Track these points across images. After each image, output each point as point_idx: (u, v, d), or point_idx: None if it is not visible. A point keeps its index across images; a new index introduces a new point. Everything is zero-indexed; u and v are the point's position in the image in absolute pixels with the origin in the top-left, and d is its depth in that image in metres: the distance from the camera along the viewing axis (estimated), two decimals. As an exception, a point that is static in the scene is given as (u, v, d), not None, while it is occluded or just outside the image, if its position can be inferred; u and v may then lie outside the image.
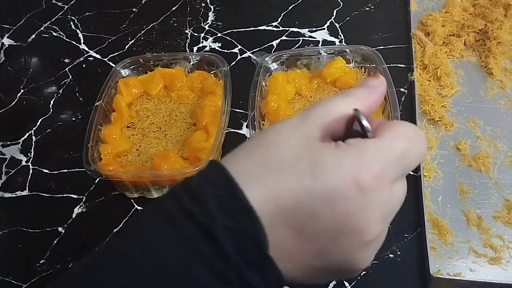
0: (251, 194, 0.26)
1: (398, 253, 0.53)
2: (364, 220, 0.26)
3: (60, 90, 0.76)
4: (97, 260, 0.27)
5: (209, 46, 0.79)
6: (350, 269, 0.29)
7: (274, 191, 0.26)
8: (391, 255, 0.53)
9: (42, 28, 0.86)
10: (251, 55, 0.76)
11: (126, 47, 0.80)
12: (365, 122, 0.29)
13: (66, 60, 0.80)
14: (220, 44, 0.79)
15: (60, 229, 0.60)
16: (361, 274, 0.52)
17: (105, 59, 0.79)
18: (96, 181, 0.64)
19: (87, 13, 0.87)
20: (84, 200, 0.62)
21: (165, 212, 0.27)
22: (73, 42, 0.83)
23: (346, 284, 0.52)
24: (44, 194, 0.64)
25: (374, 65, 0.64)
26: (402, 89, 0.68)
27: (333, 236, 0.27)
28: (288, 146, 0.28)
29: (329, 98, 0.30)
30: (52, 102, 0.74)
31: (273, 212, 0.26)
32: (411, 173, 0.58)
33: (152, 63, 0.70)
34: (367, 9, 0.81)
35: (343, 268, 0.29)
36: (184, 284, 0.26)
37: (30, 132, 0.71)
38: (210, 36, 0.80)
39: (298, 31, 0.79)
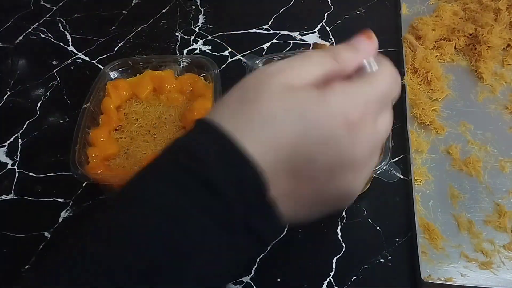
0: (249, 149, 0.27)
1: (389, 257, 0.53)
2: (354, 154, 0.29)
3: (48, 93, 0.75)
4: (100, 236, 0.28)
5: (199, 48, 0.78)
6: (346, 199, 0.32)
7: (270, 143, 0.27)
8: (381, 260, 0.53)
9: (29, 30, 0.85)
10: (241, 58, 0.76)
11: (115, 49, 0.80)
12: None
13: (54, 62, 0.79)
14: (210, 47, 0.78)
15: (46, 233, 0.59)
16: (352, 279, 0.51)
17: (94, 61, 0.78)
18: (84, 185, 0.63)
19: (76, 15, 0.86)
20: (71, 204, 0.61)
21: (164, 175, 0.28)
22: (61, 44, 0.82)
23: (337, 289, 0.51)
24: (30, 198, 0.62)
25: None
26: (392, 93, 0.68)
27: (328, 174, 0.29)
28: (274, 98, 0.28)
29: (307, 57, 0.31)
30: (39, 104, 0.73)
31: (272, 162, 0.28)
32: (402, 177, 0.58)
33: (141, 65, 0.69)
34: (358, 13, 0.81)
35: (340, 199, 0.31)
36: (192, 236, 0.26)
37: (16, 135, 0.69)
38: (200, 39, 0.80)
39: (289, 34, 0.79)
